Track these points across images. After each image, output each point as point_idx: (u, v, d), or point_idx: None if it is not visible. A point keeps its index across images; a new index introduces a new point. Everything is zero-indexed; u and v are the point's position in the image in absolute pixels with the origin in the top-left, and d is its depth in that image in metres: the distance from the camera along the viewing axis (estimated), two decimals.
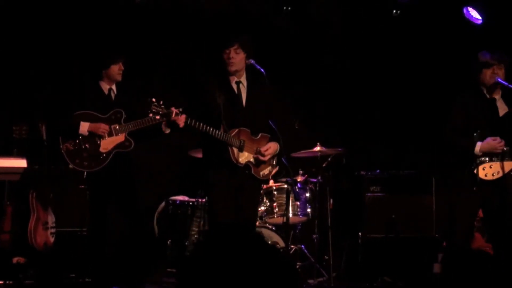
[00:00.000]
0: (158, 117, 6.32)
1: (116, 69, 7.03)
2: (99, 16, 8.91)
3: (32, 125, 7.61)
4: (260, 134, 6.34)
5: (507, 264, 6.55)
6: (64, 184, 8.02)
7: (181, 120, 6.13)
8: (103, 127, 6.87)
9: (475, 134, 6.60)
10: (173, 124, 6.30)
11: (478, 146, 6.56)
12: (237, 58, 6.22)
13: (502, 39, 8.61)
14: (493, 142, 6.56)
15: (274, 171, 6.56)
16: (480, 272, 4.32)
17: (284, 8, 9.42)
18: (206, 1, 9.18)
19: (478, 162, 6.59)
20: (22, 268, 7.56)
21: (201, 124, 6.09)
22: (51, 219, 7.70)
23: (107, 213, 7.02)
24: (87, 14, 8.87)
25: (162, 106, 6.15)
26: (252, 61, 6.25)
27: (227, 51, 6.21)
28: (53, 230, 7.70)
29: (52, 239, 7.67)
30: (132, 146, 7.00)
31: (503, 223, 6.69)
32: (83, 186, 7.68)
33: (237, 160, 6.19)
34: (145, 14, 9.13)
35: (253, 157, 6.28)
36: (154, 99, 6.15)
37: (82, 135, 6.81)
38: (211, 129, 6.08)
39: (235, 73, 6.30)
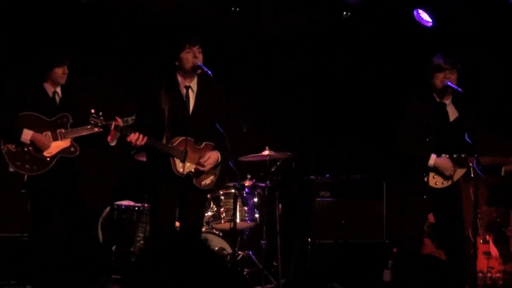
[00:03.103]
0: (96, 129, 6.22)
1: (60, 72, 6.96)
2: (44, 16, 8.76)
3: None
4: (204, 143, 6.18)
5: (457, 269, 6.56)
6: (4, 188, 7.85)
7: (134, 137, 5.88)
8: (47, 143, 6.77)
9: (427, 139, 6.56)
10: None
11: (433, 159, 6.52)
12: (200, 58, 6.08)
13: (452, 42, 8.66)
14: (449, 164, 6.54)
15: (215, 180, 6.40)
16: (429, 277, 4.29)
17: (232, 9, 9.38)
18: (154, 2, 9.10)
19: (428, 170, 6.56)
20: None
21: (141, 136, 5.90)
22: None
23: (49, 218, 6.94)
24: (32, 13, 8.73)
25: (101, 118, 6.04)
26: (199, 63, 6.08)
27: (191, 50, 6.03)
28: None
29: None
30: (78, 152, 6.98)
31: (453, 230, 6.68)
32: (24, 191, 7.52)
33: (178, 171, 6.04)
34: (91, 14, 9.00)
35: (194, 167, 6.12)
36: (93, 110, 6.05)
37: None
38: (152, 140, 5.92)
39: (190, 73, 6.11)
